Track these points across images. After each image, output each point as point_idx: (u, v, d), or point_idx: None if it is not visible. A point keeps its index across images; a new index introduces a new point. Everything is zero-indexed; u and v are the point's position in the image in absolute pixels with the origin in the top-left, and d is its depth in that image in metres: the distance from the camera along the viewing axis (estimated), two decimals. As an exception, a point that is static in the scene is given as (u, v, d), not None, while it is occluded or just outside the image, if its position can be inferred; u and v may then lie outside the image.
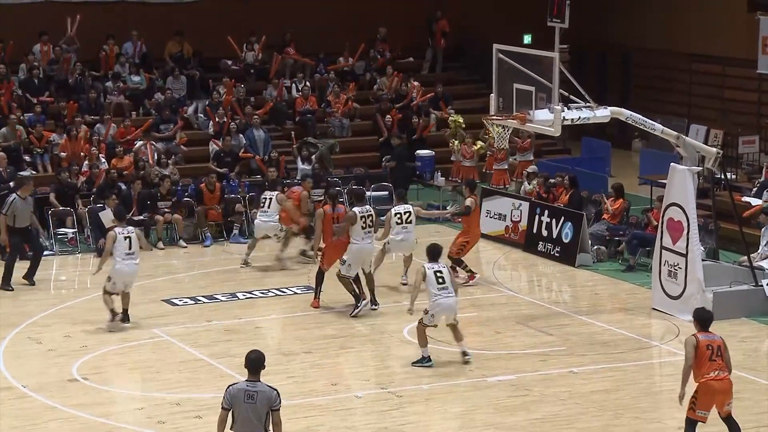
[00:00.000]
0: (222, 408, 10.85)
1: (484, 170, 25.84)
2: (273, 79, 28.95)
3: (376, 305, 18.54)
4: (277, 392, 10.83)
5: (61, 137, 25.47)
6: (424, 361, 15.97)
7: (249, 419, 10.74)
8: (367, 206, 18.86)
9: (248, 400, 10.74)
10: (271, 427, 10.82)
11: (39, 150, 25.42)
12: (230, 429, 10.86)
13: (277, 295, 19.65)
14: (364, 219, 18.34)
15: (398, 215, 19.26)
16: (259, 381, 10.85)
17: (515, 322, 18.23)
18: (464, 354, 16.09)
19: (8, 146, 24.54)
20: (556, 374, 15.88)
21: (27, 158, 25.24)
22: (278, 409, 10.80)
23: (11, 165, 23.43)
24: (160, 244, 22.76)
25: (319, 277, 18.66)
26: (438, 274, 15.72)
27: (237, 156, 25.83)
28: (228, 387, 10.89)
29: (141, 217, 22.79)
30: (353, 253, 18.21)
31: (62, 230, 22.73)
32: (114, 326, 17.64)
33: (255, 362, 10.92)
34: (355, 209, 18.48)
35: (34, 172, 24.92)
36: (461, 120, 26.40)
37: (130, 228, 17.85)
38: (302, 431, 14.05)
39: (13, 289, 19.75)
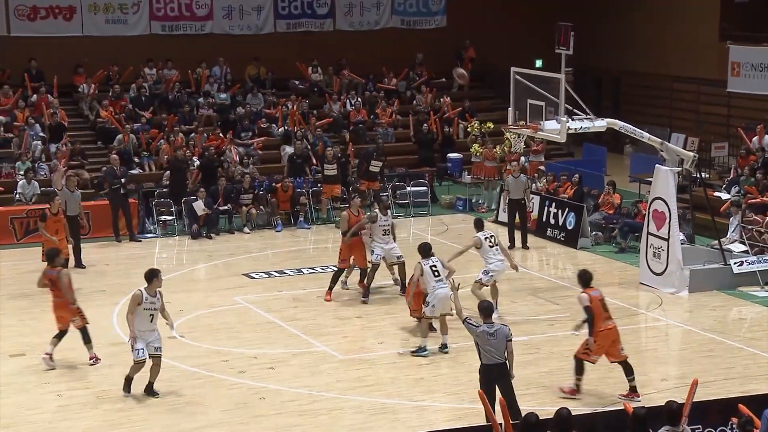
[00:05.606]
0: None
1: (503, 171, 25.59)
2: (334, 95, 28.93)
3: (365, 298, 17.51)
4: (509, 328, 11.87)
5: (163, 143, 25.55)
6: (421, 351, 14.82)
7: (492, 352, 11.71)
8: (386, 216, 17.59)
9: (489, 337, 11.69)
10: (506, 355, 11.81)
11: (146, 153, 25.54)
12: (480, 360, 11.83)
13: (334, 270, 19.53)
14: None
15: None
16: (494, 322, 11.89)
17: (527, 293, 18.11)
18: (443, 346, 15.07)
19: (121, 149, 24.67)
20: (561, 336, 15.74)
21: (136, 159, 25.35)
22: (511, 340, 11.83)
23: (123, 165, 23.51)
24: (246, 229, 22.74)
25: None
26: (433, 269, 14.88)
27: (308, 158, 25.58)
28: (476, 329, 11.81)
29: (225, 207, 22.81)
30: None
31: (163, 217, 22.80)
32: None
33: (487, 310, 12.00)
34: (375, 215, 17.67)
35: (141, 171, 25.04)
36: (486, 126, 26.32)
37: None
38: (354, 380, 14.03)
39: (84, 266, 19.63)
